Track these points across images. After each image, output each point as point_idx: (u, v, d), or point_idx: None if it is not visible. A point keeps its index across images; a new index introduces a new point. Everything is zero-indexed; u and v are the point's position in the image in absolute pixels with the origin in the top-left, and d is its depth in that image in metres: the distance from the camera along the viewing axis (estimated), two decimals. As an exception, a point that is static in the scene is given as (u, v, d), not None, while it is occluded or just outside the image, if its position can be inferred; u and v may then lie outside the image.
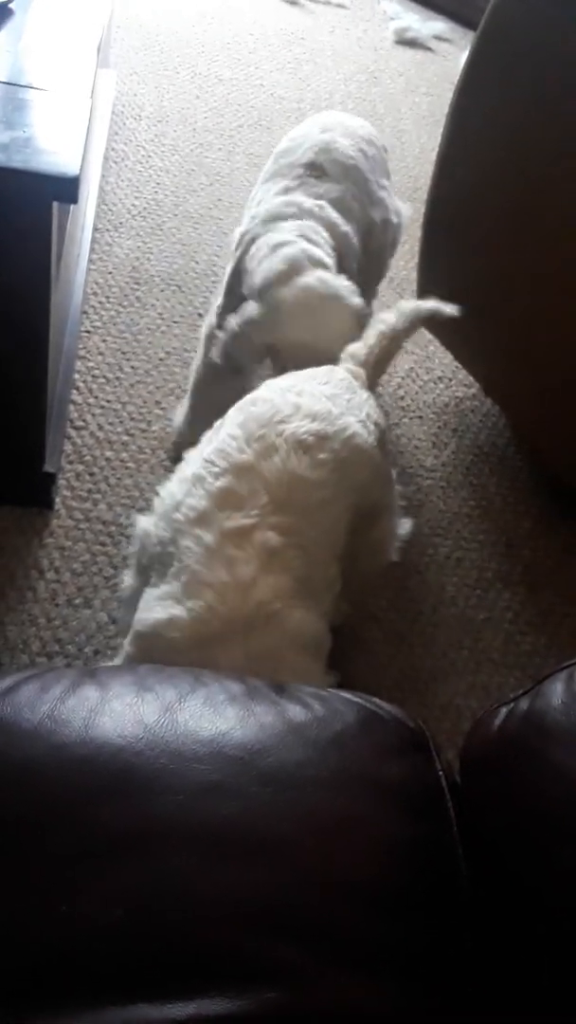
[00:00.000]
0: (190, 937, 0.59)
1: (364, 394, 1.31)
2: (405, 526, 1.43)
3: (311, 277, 1.44)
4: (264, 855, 0.63)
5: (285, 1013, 0.57)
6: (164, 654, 1.03)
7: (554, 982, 0.63)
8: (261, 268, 1.48)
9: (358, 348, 1.39)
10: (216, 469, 1.14)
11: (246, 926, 0.60)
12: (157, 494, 1.23)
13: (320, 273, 1.45)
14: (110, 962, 0.57)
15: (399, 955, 0.63)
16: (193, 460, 1.20)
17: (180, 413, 1.74)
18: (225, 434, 1.18)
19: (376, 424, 1.28)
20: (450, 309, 1.44)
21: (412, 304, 1.44)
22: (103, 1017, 0.55)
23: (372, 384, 1.39)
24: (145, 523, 1.23)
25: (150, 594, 1.11)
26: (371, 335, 1.40)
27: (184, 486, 1.16)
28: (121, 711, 0.70)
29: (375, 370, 1.40)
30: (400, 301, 1.45)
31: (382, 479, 1.31)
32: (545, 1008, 0.63)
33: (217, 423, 1.27)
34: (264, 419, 1.17)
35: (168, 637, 1.04)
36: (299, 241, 1.49)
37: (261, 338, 1.49)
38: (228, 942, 0.59)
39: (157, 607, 1.08)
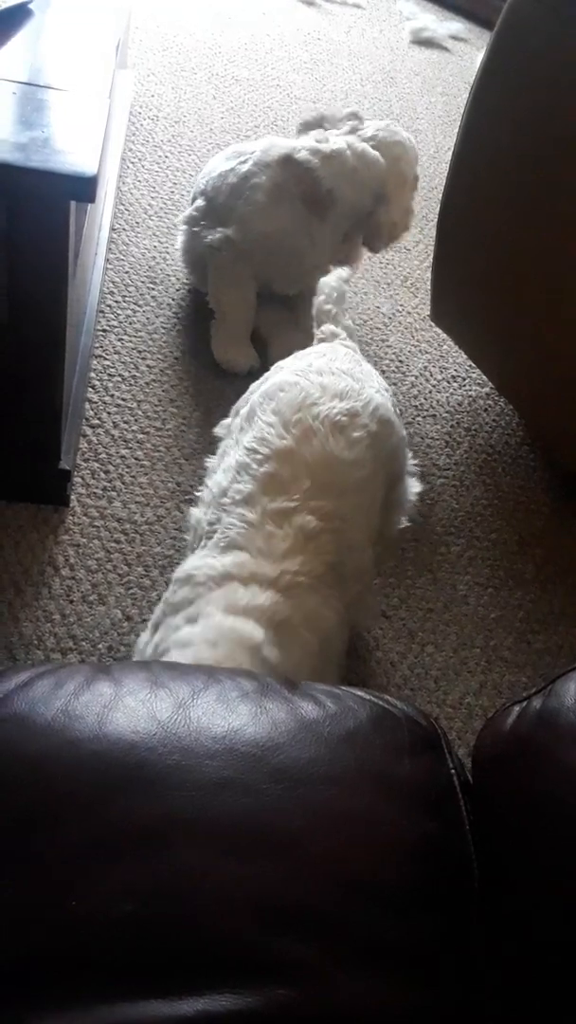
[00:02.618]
0: (200, 933, 0.59)
1: (367, 365, 1.39)
2: (416, 487, 1.47)
3: None
4: (275, 852, 0.64)
5: (296, 1011, 0.57)
6: (193, 590, 1.11)
7: (567, 982, 0.64)
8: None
9: (331, 328, 1.47)
10: (259, 456, 1.19)
11: (257, 923, 0.60)
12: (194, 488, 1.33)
13: None
14: (120, 957, 0.58)
15: (411, 954, 0.63)
16: (232, 449, 1.25)
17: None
18: (261, 422, 1.22)
19: (386, 389, 1.35)
20: (347, 273, 1.59)
21: (332, 279, 1.55)
22: (112, 1012, 0.55)
23: None
24: (196, 512, 1.28)
25: (189, 558, 1.20)
26: (327, 313, 1.50)
27: (229, 474, 1.21)
28: (135, 707, 0.71)
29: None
30: (321, 279, 1.56)
31: (401, 445, 1.37)
32: (558, 1008, 0.63)
33: (240, 407, 1.31)
34: (296, 403, 1.22)
35: (198, 576, 1.12)
36: None
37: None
38: (239, 939, 0.59)
39: (193, 559, 1.17)
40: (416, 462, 1.47)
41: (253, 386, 1.36)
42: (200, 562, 1.15)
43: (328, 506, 1.15)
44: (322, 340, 1.46)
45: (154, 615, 1.20)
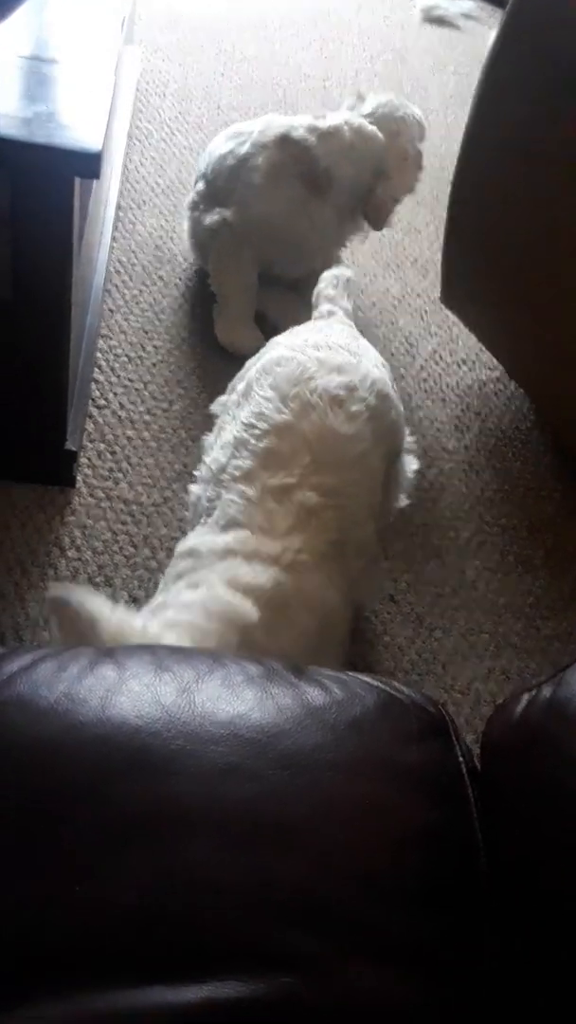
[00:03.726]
0: (204, 921, 0.58)
1: (364, 341, 1.38)
2: (413, 464, 1.46)
3: None
4: (280, 839, 0.63)
5: (300, 999, 0.56)
6: (197, 561, 1.10)
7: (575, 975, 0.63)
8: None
9: (329, 307, 1.46)
10: (257, 431, 1.17)
11: (261, 911, 0.59)
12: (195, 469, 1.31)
13: None
14: (123, 944, 0.57)
15: (417, 944, 0.62)
16: (229, 426, 1.23)
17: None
18: (259, 397, 1.21)
19: (384, 364, 1.34)
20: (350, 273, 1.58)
21: (331, 274, 1.54)
22: (115, 999, 0.54)
23: None
24: (196, 489, 1.28)
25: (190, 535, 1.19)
26: (327, 296, 1.49)
27: (227, 451, 1.19)
28: (138, 691, 0.70)
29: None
30: (323, 272, 1.55)
31: (400, 420, 1.36)
32: (566, 1000, 0.62)
33: (236, 384, 1.30)
34: (294, 377, 1.20)
35: (201, 550, 1.11)
36: None
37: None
38: (243, 927, 0.58)
39: (194, 535, 1.17)
40: (423, 443, 1.47)
41: (249, 362, 1.35)
42: (201, 539, 1.14)
43: (329, 481, 1.14)
44: (321, 316, 1.45)
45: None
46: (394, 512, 1.46)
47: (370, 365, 1.27)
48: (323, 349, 1.25)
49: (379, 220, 1.94)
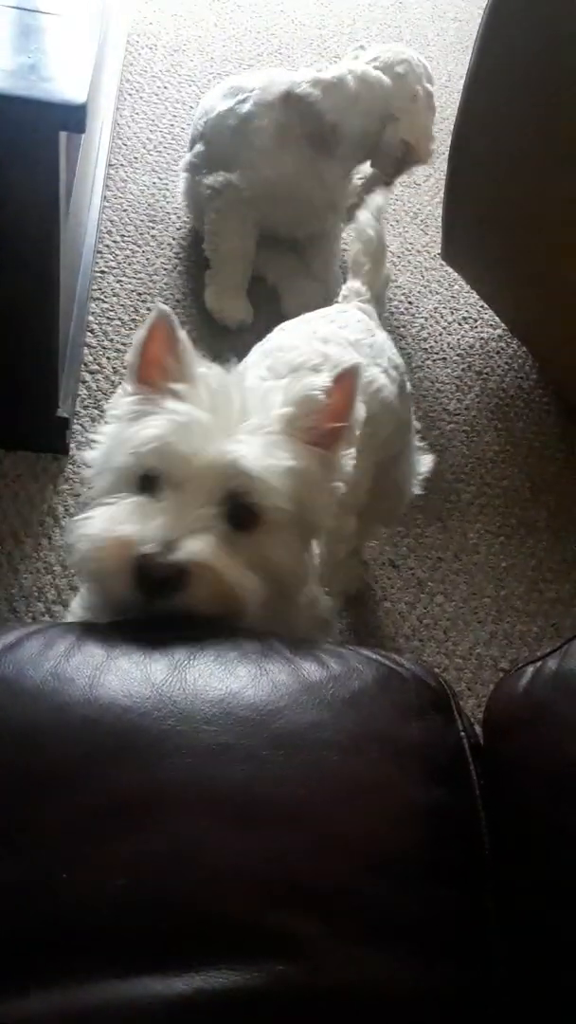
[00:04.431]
0: (197, 907, 0.56)
1: (381, 335, 1.28)
2: (426, 463, 1.41)
3: None
4: (275, 821, 0.61)
5: (297, 988, 0.54)
6: None
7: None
8: None
9: (357, 285, 1.37)
10: None
11: (256, 895, 0.57)
12: None
13: None
14: (113, 932, 0.55)
15: (418, 927, 0.60)
16: None
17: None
18: (254, 378, 1.13)
19: (396, 368, 1.25)
20: (381, 200, 1.48)
21: (366, 214, 1.44)
22: (104, 990, 0.53)
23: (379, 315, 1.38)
24: None
25: None
26: (363, 271, 1.39)
27: None
28: (128, 669, 0.67)
29: (379, 305, 1.40)
30: (357, 212, 1.45)
31: (403, 429, 1.29)
32: (570, 981, 0.60)
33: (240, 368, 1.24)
34: (295, 365, 1.12)
35: None
36: None
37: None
38: (237, 912, 0.56)
39: None
40: (423, 404, 1.42)
41: (255, 347, 1.30)
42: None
43: None
44: (345, 298, 1.36)
45: None
46: (400, 511, 1.42)
47: (378, 371, 1.19)
48: (331, 344, 1.17)
49: (388, 167, 1.86)
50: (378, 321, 1.33)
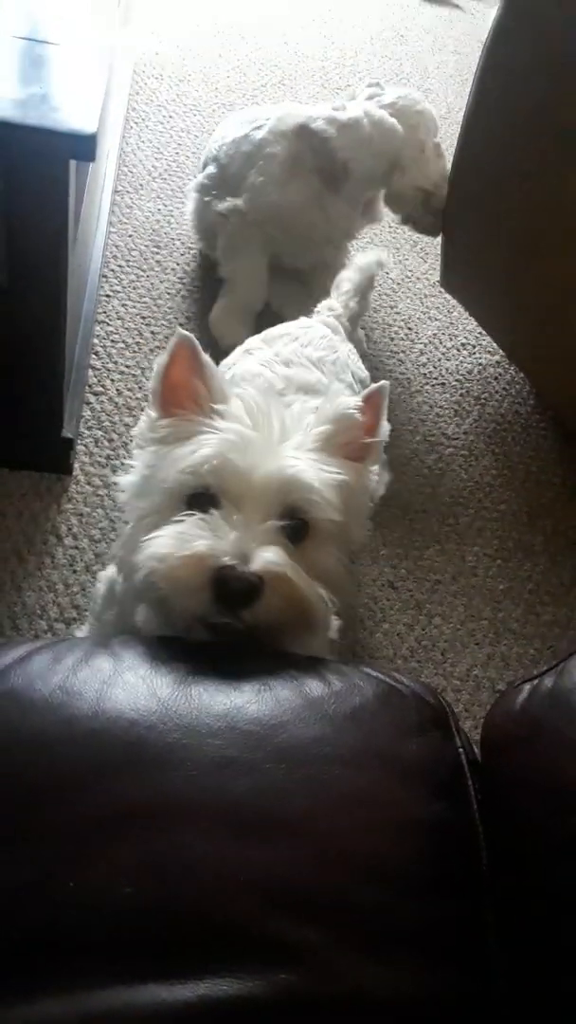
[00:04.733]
0: (201, 916, 0.58)
1: (344, 349, 1.34)
2: (385, 477, 1.44)
3: None
4: (278, 833, 0.62)
5: (299, 996, 0.55)
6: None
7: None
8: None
9: (332, 302, 1.46)
10: None
11: (259, 905, 0.59)
12: None
13: None
14: (118, 940, 0.56)
15: (418, 937, 0.61)
16: None
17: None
18: None
19: (361, 382, 1.31)
20: (385, 257, 1.70)
21: (365, 258, 1.59)
22: (109, 996, 0.54)
23: (351, 335, 1.47)
24: None
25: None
26: (341, 291, 1.52)
27: None
28: (134, 683, 0.69)
29: (352, 324, 1.52)
30: (356, 255, 1.60)
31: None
32: (570, 990, 0.62)
33: None
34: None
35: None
36: None
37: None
38: (240, 922, 0.58)
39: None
40: (422, 429, 1.45)
41: (224, 362, 1.33)
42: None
43: None
44: (317, 313, 1.44)
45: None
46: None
47: (342, 387, 1.23)
48: (294, 366, 1.23)
49: (404, 210, 1.89)
50: (343, 335, 1.38)
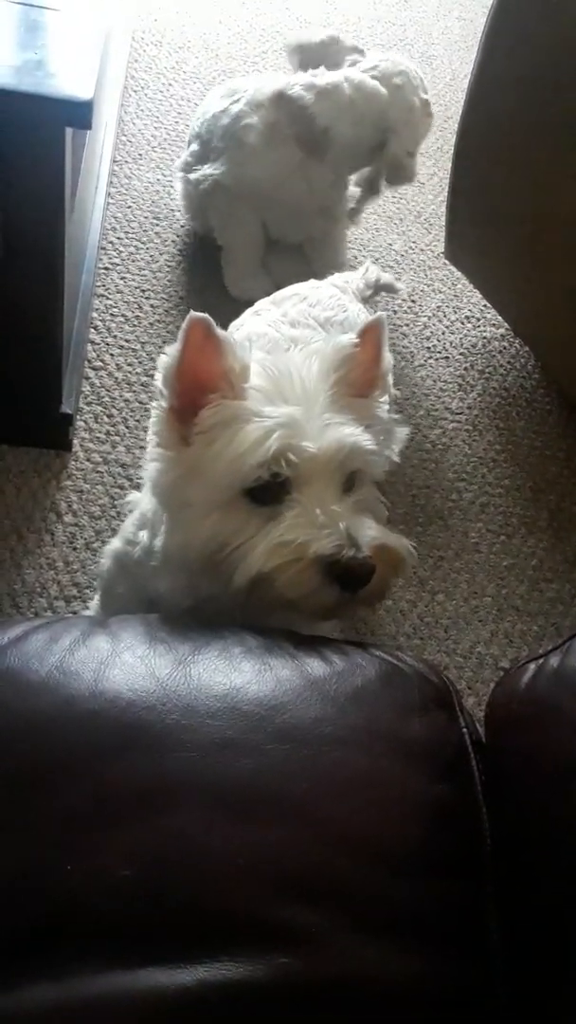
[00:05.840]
0: (200, 899, 0.57)
1: (355, 308, 1.34)
2: (403, 432, 1.45)
3: None
4: (279, 815, 0.61)
5: (300, 979, 0.55)
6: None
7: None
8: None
9: (349, 275, 1.47)
10: None
11: (259, 888, 0.58)
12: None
13: None
14: (116, 924, 0.56)
15: (420, 921, 0.61)
16: None
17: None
18: None
19: None
20: (400, 286, 1.72)
21: (375, 274, 1.60)
22: (109, 981, 0.53)
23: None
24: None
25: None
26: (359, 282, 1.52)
27: None
28: (133, 663, 0.68)
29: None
30: (369, 264, 1.59)
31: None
32: (569, 974, 0.61)
33: None
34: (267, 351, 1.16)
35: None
36: None
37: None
38: (240, 905, 0.57)
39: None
40: (425, 403, 1.43)
41: (233, 324, 1.31)
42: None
43: None
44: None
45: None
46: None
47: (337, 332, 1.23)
48: (300, 326, 1.21)
49: (399, 177, 1.86)
50: (352, 295, 1.36)
